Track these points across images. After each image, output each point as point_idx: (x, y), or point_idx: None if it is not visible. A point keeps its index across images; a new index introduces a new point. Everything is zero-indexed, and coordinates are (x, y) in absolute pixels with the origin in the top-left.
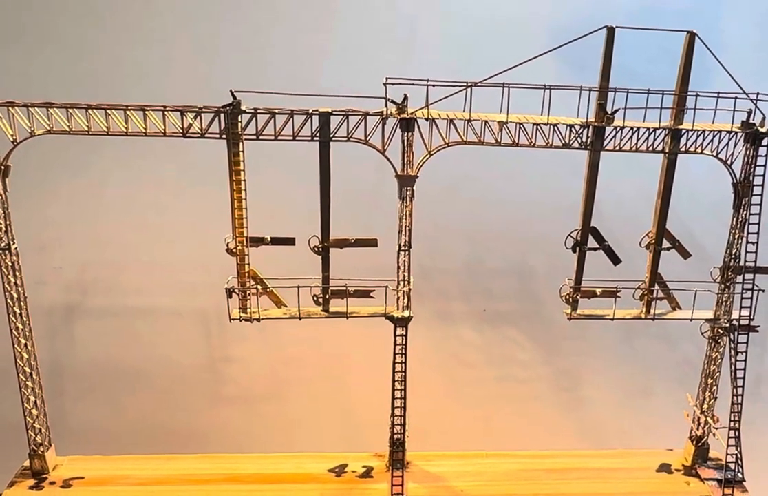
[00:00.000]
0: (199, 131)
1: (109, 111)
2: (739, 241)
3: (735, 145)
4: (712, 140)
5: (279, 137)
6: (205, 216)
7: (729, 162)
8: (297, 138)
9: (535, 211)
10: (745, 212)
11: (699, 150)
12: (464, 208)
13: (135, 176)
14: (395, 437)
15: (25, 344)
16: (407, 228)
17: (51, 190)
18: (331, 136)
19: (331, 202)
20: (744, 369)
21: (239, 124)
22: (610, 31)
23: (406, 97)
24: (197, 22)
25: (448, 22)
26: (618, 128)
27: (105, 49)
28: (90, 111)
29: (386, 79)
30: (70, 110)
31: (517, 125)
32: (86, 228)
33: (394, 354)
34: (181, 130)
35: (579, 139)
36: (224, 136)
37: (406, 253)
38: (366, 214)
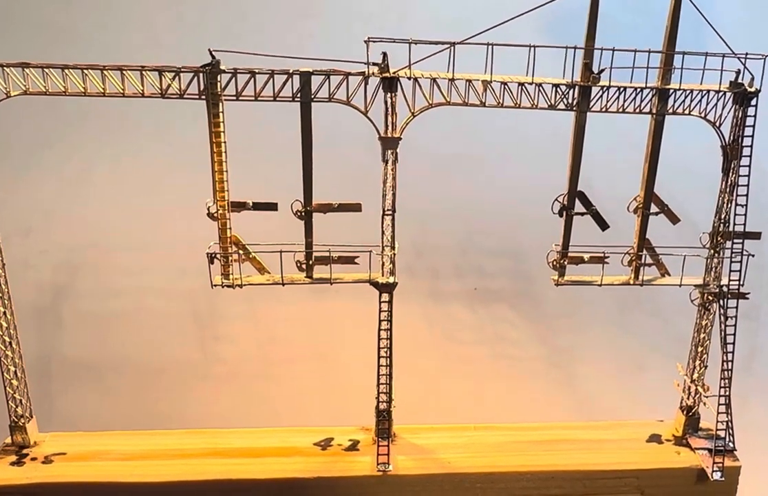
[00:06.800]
0: (178, 92)
1: (86, 71)
2: (729, 206)
3: (723, 107)
4: (700, 101)
5: (259, 98)
6: (194, 197)
7: (717, 124)
8: (278, 99)
9: (527, 191)
10: (734, 175)
11: (687, 111)
12: (457, 187)
13: (121, 158)
14: (381, 406)
15: (4, 313)
16: (391, 191)
17: (37, 174)
18: (313, 96)
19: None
20: (734, 335)
21: (218, 84)
22: None
23: (385, 55)
24: None
25: None
26: (604, 88)
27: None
28: (66, 71)
29: (368, 38)
30: (46, 70)
31: (502, 85)
32: (72, 211)
33: (379, 321)
34: (159, 91)
35: (565, 100)
36: (203, 96)
37: (391, 216)
38: (356, 188)
